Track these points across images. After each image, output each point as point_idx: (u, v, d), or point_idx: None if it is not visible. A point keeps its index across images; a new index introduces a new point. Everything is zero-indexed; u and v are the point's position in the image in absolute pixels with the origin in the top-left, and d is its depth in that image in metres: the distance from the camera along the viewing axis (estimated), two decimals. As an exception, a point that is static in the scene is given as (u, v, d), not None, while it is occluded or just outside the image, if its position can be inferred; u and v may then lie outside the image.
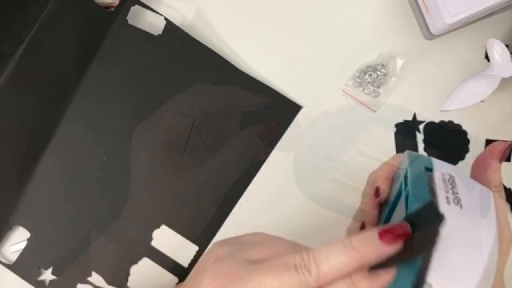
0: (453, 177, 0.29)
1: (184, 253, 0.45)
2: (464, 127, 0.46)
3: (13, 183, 0.45)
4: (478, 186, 0.29)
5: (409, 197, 0.27)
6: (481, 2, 0.41)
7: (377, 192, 0.34)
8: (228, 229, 0.45)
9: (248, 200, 0.46)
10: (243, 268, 0.27)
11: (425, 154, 0.46)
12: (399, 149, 0.46)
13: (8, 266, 0.45)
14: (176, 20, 0.47)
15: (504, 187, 0.34)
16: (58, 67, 0.46)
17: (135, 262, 0.46)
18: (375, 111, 0.47)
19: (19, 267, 0.45)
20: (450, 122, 0.46)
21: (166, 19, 0.47)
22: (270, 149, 0.46)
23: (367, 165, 0.36)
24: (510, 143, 0.31)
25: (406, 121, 0.47)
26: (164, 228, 0.46)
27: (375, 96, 0.47)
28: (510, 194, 0.44)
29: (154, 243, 0.46)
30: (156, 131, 0.46)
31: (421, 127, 0.46)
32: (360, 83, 0.47)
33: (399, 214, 0.29)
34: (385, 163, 0.34)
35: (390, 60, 0.47)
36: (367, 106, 0.47)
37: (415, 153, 0.32)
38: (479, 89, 0.43)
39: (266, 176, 0.46)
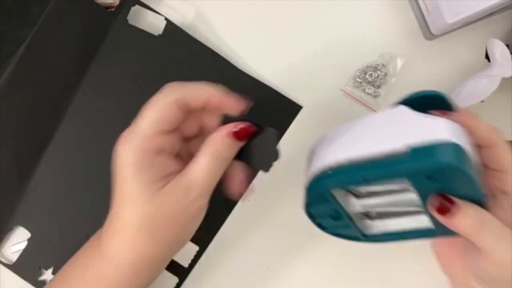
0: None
1: (184, 253, 0.45)
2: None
3: (13, 183, 0.45)
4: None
5: None
6: (481, 2, 0.41)
7: None
8: (228, 229, 0.45)
9: (248, 200, 0.46)
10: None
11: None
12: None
13: (8, 266, 0.45)
14: (176, 20, 0.47)
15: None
16: (58, 67, 0.46)
17: (135, 262, 0.46)
18: (375, 111, 0.47)
19: (20, 267, 0.45)
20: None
21: (166, 19, 0.47)
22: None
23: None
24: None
25: (406, 121, 0.47)
26: (164, 228, 0.46)
27: (375, 96, 0.47)
28: None
29: (154, 243, 0.46)
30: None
31: (421, 127, 0.46)
32: (360, 83, 0.47)
33: None
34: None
35: (391, 60, 0.47)
36: (367, 106, 0.47)
37: None
38: (479, 89, 0.43)
39: (266, 176, 0.46)
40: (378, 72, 0.46)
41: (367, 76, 0.46)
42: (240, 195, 0.37)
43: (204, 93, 0.34)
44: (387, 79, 0.47)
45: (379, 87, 0.47)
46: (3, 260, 0.45)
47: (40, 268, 0.45)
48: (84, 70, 0.47)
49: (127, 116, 0.47)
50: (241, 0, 0.48)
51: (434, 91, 0.35)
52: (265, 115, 0.47)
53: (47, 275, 0.45)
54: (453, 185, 0.31)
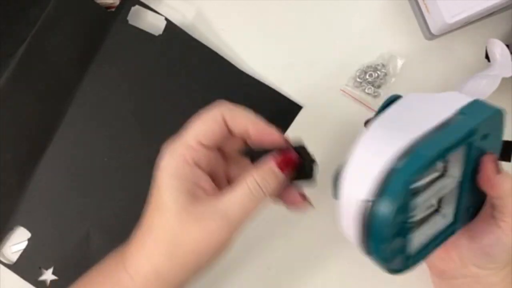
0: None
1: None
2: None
3: (14, 183, 0.45)
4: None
5: None
6: (481, 2, 0.41)
7: None
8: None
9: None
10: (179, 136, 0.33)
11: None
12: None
13: (8, 266, 0.45)
14: (176, 20, 0.47)
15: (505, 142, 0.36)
16: (59, 67, 0.46)
17: (135, 262, 0.46)
18: (375, 111, 0.46)
19: (20, 267, 0.45)
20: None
21: (166, 19, 0.47)
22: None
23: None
24: None
25: (406, 121, 0.46)
26: (164, 228, 0.46)
27: (375, 96, 0.47)
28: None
29: (154, 243, 0.46)
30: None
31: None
32: (360, 83, 0.47)
33: None
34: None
35: (391, 60, 0.47)
36: (367, 106, 0.47)
37: None
38: (479, 89, 0.43)
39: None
40: (378, 72, 0.46)
41: (367, 76, 0.46)
42: (302, 207, 0.35)
43: (247, 118, 0.33)
44: (387, 79, 0.47)
45: (379, 87, 0.47)
46: (3, 260, 0.45)
47: (40, 268, 0.45)
48: (84, 70, 0.47)
49: (126, 116, 0.47)
50: (241, 0, 0.48)
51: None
52: (265, 115, 0.47)
53: (47, 275, 0.45)
54: (490, 148, 0.34)
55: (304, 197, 0.35)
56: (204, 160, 0.33)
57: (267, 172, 0.32)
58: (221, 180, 0.35)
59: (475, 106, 0.32)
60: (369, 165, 0.29)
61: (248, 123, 0.33)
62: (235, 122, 0.33)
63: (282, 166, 0.32)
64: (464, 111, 0.32)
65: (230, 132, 0.34)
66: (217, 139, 0.33)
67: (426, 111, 0.32)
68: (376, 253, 0.30)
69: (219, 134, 0.33)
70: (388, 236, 0.28)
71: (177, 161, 0.32)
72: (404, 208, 0.29)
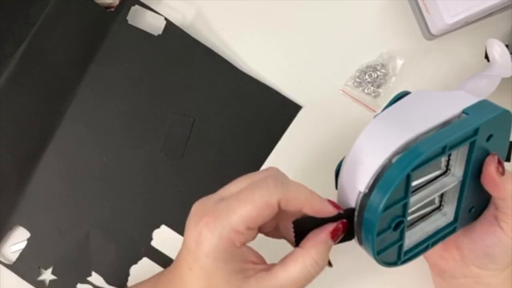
0: None
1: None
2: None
3: (13, 183, 0.45)
4: None
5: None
6: (481, 2, 0.41)
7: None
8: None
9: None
10: (215, 203, 0.31)
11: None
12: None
13: (8, 266, 0.45)
14: (176, 20, 0.47)
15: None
16: (58, 67, 0.46)
17: (135, 262, 0.46)
18: (375, 111, 0.47)
19: (19, 267, 0.45)
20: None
21: (166, 19, 0.47)
22: (269, 149, 0.46)
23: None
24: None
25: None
26: (164, 228, 0.46)
27: (375, 96, 0.47)
28: None
29: (154, 243, 0.46)
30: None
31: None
32: (360, 83, 0.47)
33: None
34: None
35: (390, 60, 0.47)
36: (367, 106, 0.47)
37: None
38: (479, 89, 0.43)
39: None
40: (378, 72, 0.46)
41: (367, 76, 0.46)
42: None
43: (303, 199, 0.31)
44: (387, 79, 0.47)
45: (378, 87, 0.47)
46: (3, 260, 0.45)
47: (39, 268, 0.45)
48: (84, 70, 0.47)
49: (126, 116, 0.47)
50: (241, 0, 0.48)
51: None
52: (265, 115, 0.47)
53: (47, 275, 0.45)
54: (495, 149, 0.33)
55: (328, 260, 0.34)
56: (250, 238, 0.32)
57: (324, 248, 0.31)
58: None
59: (481, 107, 0.32)
60: (367, 158, 0.30)
61: (303, 205, 0.31)
62: (289, 205, 0.30)
63: (334, 236, 0.31)
64: (468, 111, 0.31)
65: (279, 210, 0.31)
66: (267, 220, 0.31)
67: (431, 108, 0.32)
68: (367, 243, 0.31)
69: (270, 216, 0.30)
70: (377, 228, 0.29)
71: (224, 245, 0.30)
72: (398, 202, 0.30)
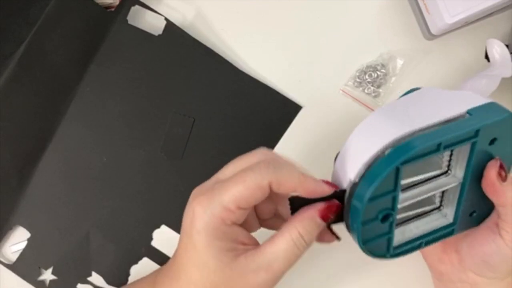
0: None
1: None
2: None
3: (13, 183, 0.45)
4: None
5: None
6: (481, 2, 0.41)
7: None
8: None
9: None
10: (213, 185, 0.32)
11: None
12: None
13: (8, 266, 0.45)
14: (176, 20, 0.47)
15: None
16: (58, 67, 0.46)
17: (135, 262, 0.46)
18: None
19: (19, 267, 0.45)
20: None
21: (166, 19, 0.47)
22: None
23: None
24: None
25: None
26: (164, 228, 0.46)
27: (375, 96, 0.47)
28: None
29: (154, 243, 0.46)
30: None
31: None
32: (360, 83, 0.47)
33: None
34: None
35: (390, 60, 0.47)
36: (367, 106, 0.47)
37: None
38: (479, 89, 0.43)
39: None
40: (378, 72, 0.46)
41: (367, 76, 0.46)
42: (331, 242, 0.35)
43: (296, 182, 0.31)
44: (387, 79, 0.47)
45: (379, 87, 0.47)
46: (3, 260, 0.45)
47: (39, 268, 0.45)
48: (84, 70, 0.47)
49: (126, 116, 0.47)
50: (241, 0, 0.48)
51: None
52: (265, 115, 0.47)
53: (47, 275, 0.45)
54: (501, 154, 0.32)
55: (334, 234, 0.34)
56: (241, 218, 0.32)
57: (310, 223, 0.31)
58: (250, 222, 0.35)
59: (487, 108, 0.31)
60: (362, 147, 0.31)
61: (296, 187, 0.31)
62: (281, 187, 0.31)
63: (324, 215, 0.32)
64: (472, 112, 0.31)
65: (273, 192, 0.32)
66: (258, 201, 0.32)
67: (435, 106, 0.32)
68: (353, 231, 0.31)
69: (261, 198, 0.31)
70: (362, 217, 0.30)
71: (215, 222, 0.31)
72: (386, 195, 0.30)
